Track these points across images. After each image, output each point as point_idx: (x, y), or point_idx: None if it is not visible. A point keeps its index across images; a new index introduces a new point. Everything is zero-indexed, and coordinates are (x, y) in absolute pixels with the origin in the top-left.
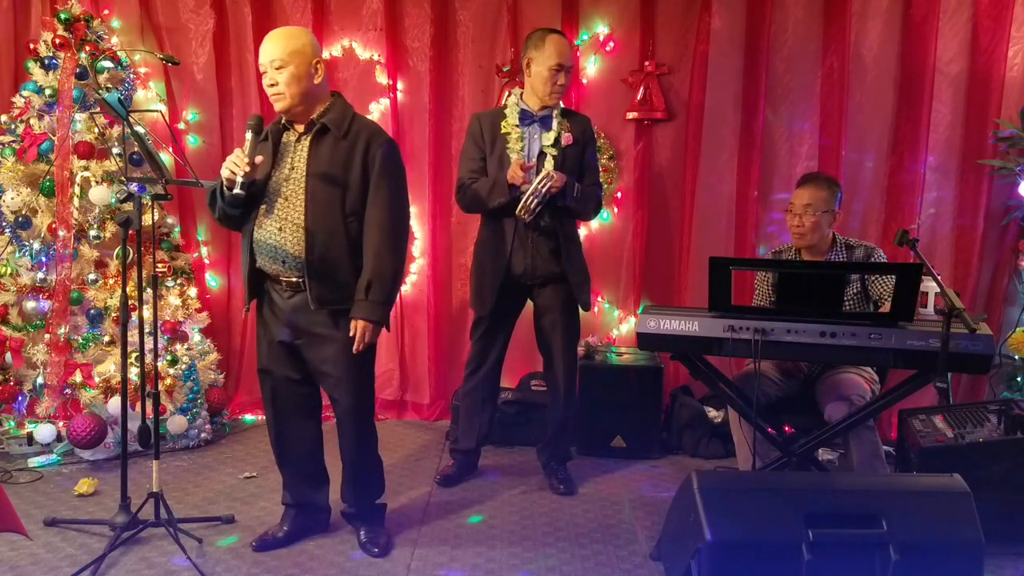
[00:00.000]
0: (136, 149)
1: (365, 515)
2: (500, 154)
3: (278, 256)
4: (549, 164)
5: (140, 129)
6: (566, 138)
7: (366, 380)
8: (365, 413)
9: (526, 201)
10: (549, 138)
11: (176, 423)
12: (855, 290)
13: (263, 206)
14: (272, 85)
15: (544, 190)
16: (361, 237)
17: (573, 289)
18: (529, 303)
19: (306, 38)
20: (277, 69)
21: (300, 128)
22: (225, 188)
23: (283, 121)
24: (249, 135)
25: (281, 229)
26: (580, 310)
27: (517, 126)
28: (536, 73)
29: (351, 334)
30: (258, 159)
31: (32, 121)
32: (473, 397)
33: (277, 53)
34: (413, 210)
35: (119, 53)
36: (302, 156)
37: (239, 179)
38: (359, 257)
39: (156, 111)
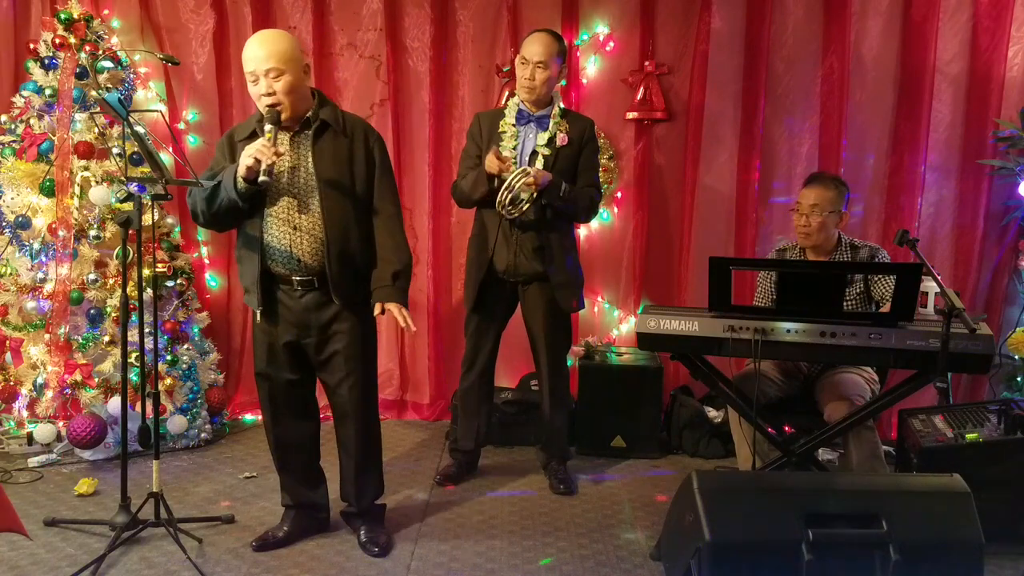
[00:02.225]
0: (136, 149)
1: (365, 515)
2: None
3: (293, 256)
4: (539, 163)
5: (140, 129)
6: (561, 138)
7: (372, 377)
8: (371, 410)
9: (500, 196)
10: (543, 138)
11: (176, 423)
12: (858, 290)
13: (271, 207)
14: (270, 94)
15: (518, 186)
16: (370, 228)
17: (554, 290)
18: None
19: (293, 41)
20: (275, 78)
21: (293, 128)
22: (241, 180)
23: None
24: (268, 126)
25: (296, 228)
26: (572, 312)
27: (514, 125)
28: (516, 71)
29: (378, 314)
30: (281, 148)
31: (32, 121)
32: (470, 397)
33: (273, 62)
34: (414, 210)
35: (119, 53)
36: (304, 155)
37: (264, 166)
38: (370, 248)
39: (156, 111)
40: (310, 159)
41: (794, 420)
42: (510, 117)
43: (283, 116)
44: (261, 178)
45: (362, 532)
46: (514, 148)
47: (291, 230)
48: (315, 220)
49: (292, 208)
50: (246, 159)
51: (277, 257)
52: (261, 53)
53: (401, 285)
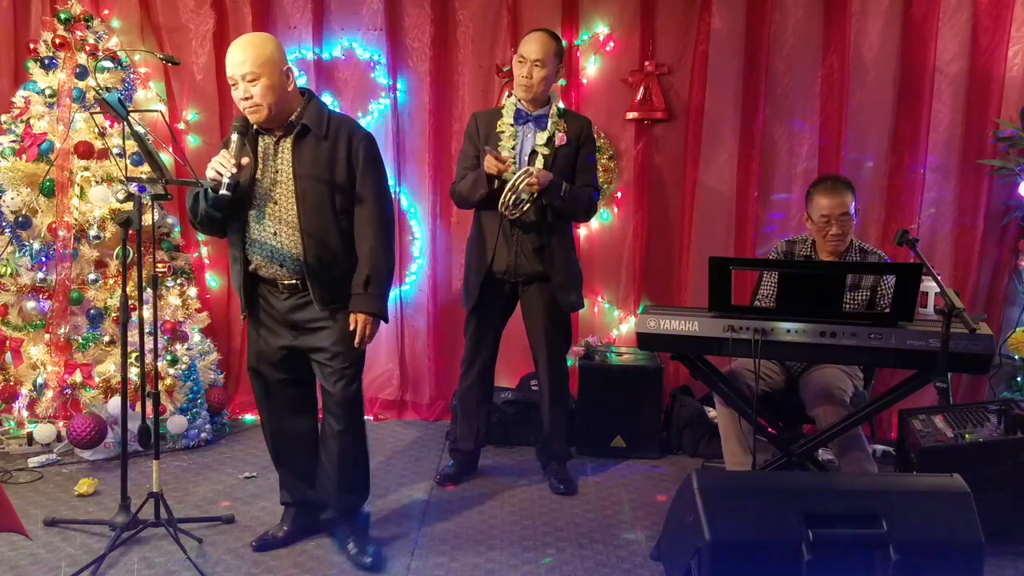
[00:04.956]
0: (136, 149)
1: (351, 521)
2: None
3: (276, 259)
4: (539, 163)
5: (140, 129)
6: (560, 138)
7: (359, 371)
8: (357, 404)
9: (504, 198)
10: (542, 137)
11: (176, 423)
12: (863, 296)
13: (253, 211)
14: (247, 98)
15: (521, 186)
16: (352, 233)
17: (555, 290)
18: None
19: (273, 45)
20: (250, 82)
21: (278, 132)
22: (211, 190)
23: (255, 127)
24: (234, 136)
25: (276, 234)
26: (573, 311)
27: (512, 124)
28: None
29: (351, 328)
30: (244, 160)
31: (32, 121)
32: (469, 397)
33: (248, 66)
34: (414, 210)
35: (119, 53)
36: (285, 159)
37: (225, 179)
38: (353, 253)
39: (156, 111)
40: (290, 164)
41: (781, 416)
42: (508, 117)
43: (261, 119)
44: (222, 191)
45: (350, 544)
46: (512, 148)
47: (272, 236)
48: (294, 226)
49: (273, 214)
50: (209, 171)
51: (261, 262)
52: (239, 57)
53: (374, 291)
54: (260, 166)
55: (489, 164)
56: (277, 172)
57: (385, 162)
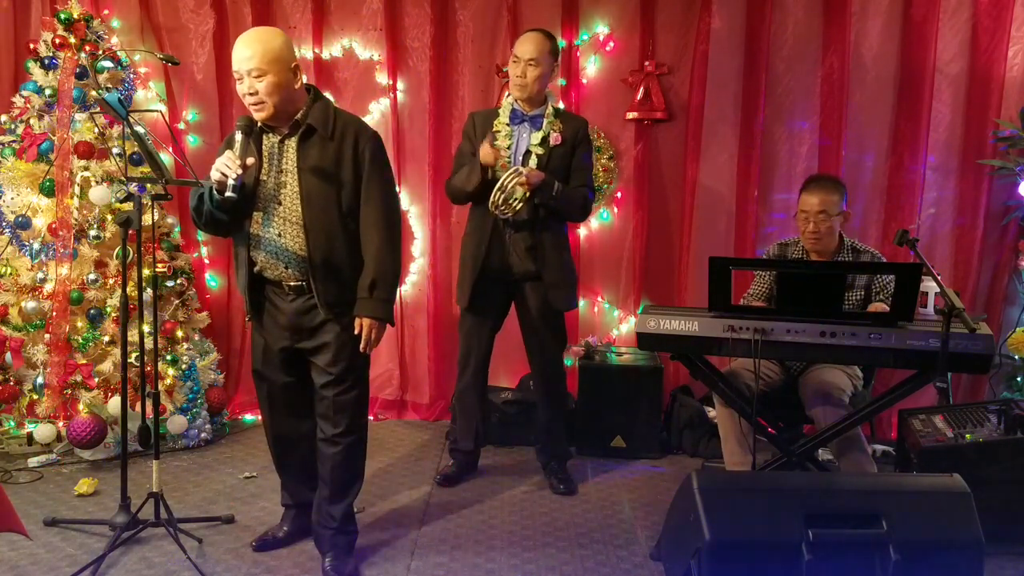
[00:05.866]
0: (136, 149)
1: (333, 536)
2: None
3: (281, 260)
4: (533, 162)
5: (140, 129)
6: (554, 138)
7: (359, 378)
8: (355, 411)
9: (494, 197)
10: (537, 137)
11: (176, 423)
12: (859, 296)
13: (259, 212)
14: (252, 94)
15: (510, 186)
16: (358, 234)
17: (547, 289)
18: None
19: (281, 40)
20: (256, 78)
21: (283, 130)
22: (216, 191)
23: (259, 124)
24: (239, 136)
25: (281, 235)
26: (571, 311)
27: (508, 124)
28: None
29: (356, 332)
30: (250, 161)
31: (32, 121)
32: (467, 397)
33: (255, 62)
34: (413, 210)
35: (119, 53)
36: (291, 159)
37: (231, 181)
38: (358, 255)
39: (156, 111)
40: (295, 164)
41: (780, 414)
42: (504, 116)
43: (264, 116)
44: (227, 193)
45: (327, 560)
46: (508, 147)
47: (276, 236)
48: (299, 226)
49: (278, 214)
50: (214, 172)
51: (266, 263)
52: (246, 53)
53: (380, 295)
54: (265, 166)
55: (485, 153)
56: (282, 172)
57: None
